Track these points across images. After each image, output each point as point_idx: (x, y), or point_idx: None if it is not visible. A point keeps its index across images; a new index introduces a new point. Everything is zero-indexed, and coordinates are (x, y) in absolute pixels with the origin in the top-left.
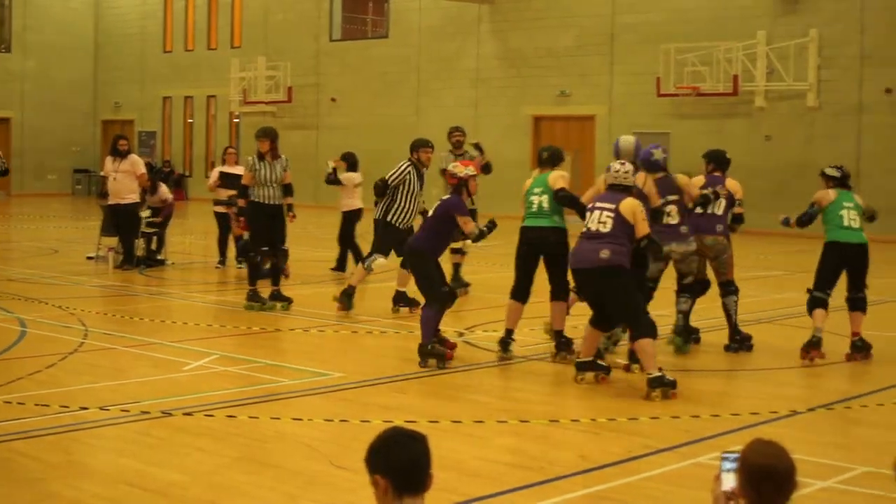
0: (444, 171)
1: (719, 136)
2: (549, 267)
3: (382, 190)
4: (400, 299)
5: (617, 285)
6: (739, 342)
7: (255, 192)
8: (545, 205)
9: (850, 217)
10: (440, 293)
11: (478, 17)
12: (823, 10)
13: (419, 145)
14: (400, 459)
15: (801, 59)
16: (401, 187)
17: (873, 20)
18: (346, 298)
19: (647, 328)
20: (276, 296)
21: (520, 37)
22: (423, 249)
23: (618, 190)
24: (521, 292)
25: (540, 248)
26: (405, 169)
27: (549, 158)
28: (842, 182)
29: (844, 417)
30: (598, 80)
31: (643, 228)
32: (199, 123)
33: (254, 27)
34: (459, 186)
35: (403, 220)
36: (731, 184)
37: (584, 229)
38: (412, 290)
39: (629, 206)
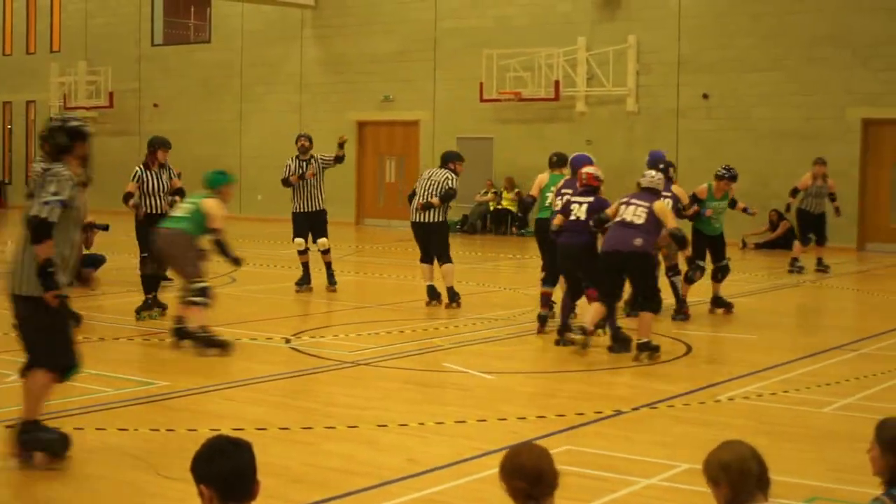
0: (285, 181)
1: (541, 141)
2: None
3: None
4: (434, 295)
5: (644, 267)
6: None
7: (142, 202)
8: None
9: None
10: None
11: (301, 22)
12: (641, 17)
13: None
14: (224, 468)
15: (621, 65)
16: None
17: (690, 27)
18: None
19: (656, 304)
20: (152, 302)
21: (344, 42)
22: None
23: (652, 192)
24: (552, 276)
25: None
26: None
27: (557, 161)
28: (732, 179)
29: (668, 416)
30: (421, 85)
31: (671, 223)
32: (18, 129)
33: (74, 31)
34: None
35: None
36: (677, 190)
37: (619, 219)
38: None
39: (661, 206)
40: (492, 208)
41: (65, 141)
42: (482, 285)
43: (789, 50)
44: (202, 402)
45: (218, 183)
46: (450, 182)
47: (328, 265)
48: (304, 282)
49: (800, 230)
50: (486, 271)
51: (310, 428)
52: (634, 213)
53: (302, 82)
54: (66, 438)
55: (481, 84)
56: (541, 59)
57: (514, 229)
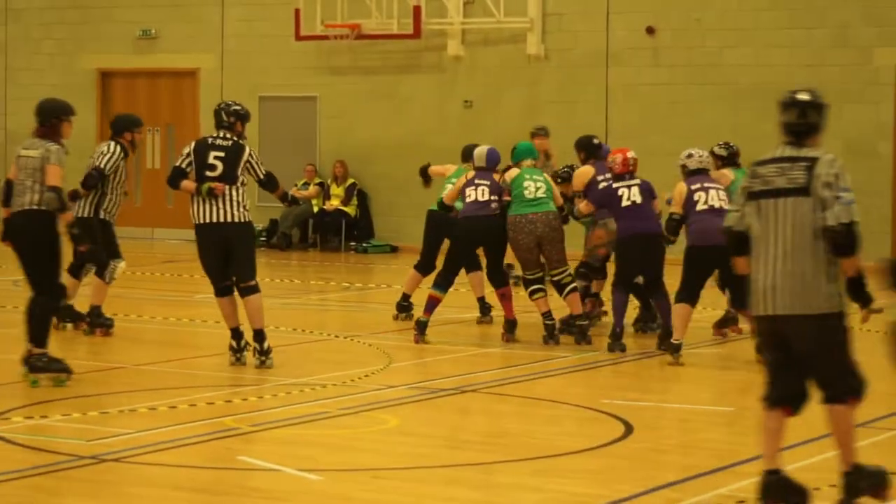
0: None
1: (393, 102)
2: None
3: (97, 181)
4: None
5: None
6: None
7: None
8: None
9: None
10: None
11: None
12: None
13: (132, 124)
14: None
15: None
16: (112, 176)
17: None
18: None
19: None
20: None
21: None
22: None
23: (705, 172)
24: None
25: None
26: (118, 154)
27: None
28: (732, 161)
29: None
30: (201, 13)
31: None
32: None
33: None
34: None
35: (115, 214)
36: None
37: (707, 206)
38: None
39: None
40: (316, 209)
41: None
42: (302, 331)
43: None
44: None
45: None
46: (101, 160)
47: None
48: None
49: None
50: (308, 309)
51: None
52: (718, 196)
53: (6, 7)
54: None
55: (297, 12)
56: None
57: (351, 242)
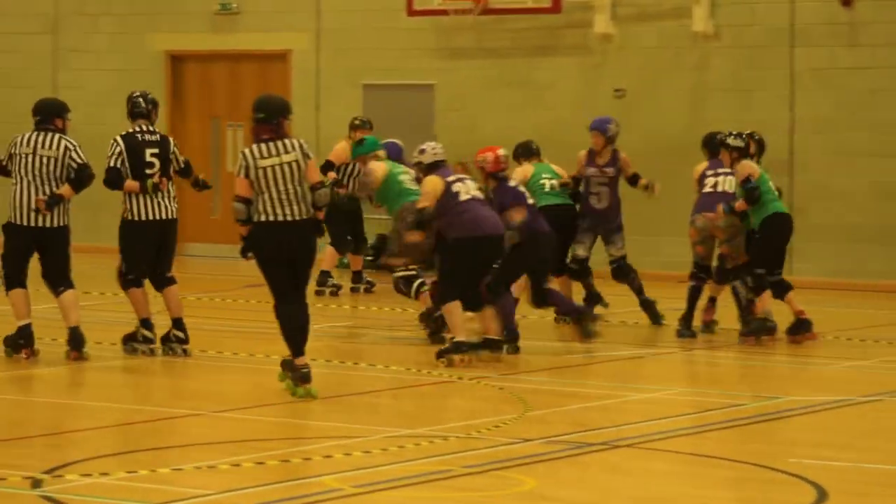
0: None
1: (527, 92)
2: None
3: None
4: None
5: None
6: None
7: None
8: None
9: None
10: None
11: None
12: None
13: (63, 109)
14: None
15: None
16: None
17: None
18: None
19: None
20: None
21: None
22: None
23: (444, 164)
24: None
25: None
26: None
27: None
28: (747, 152)
29: None
30: None
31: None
32: None
33: None
34: None
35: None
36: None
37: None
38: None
39: None
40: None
41: None
42: (417, 371)
43: None
44: None
45: None
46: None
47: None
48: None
49: None
50: (423, 344)
51: None
52: (477, 188)
53: None
54: None
55: None
56: None
57: None
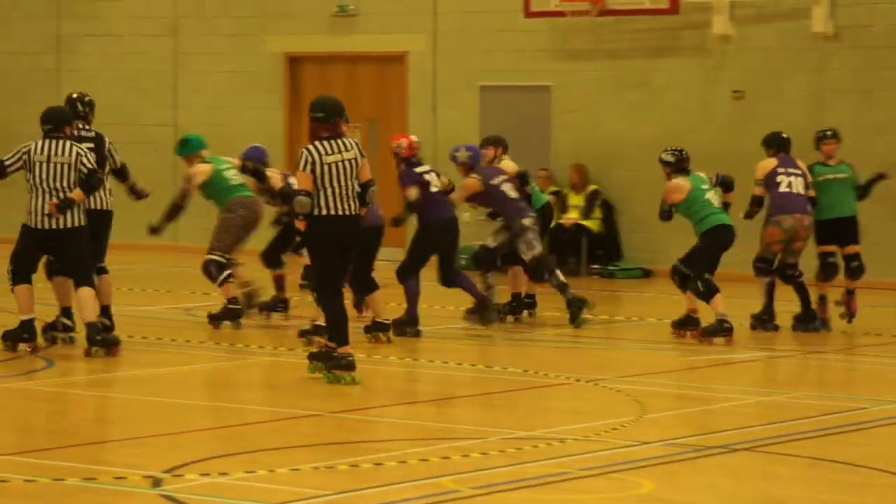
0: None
1: (644, 94)
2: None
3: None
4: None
5: None
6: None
7: None
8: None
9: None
10: None
11: None
12: None
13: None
14: None
15: None
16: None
17: None
18: None
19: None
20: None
21: None
22: None
23: None
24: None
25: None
26: None
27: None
28: (679, 167)
29: None
30: None
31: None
32: None
33: None
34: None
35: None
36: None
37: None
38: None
39: None
40: (552, 224)
41: None
42: (534, 373)
43: None
44: None
45: None
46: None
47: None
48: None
49: None
50: (541, 346)
51: None
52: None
53: None
54: None
55: None
56: None
57: (594, 265)
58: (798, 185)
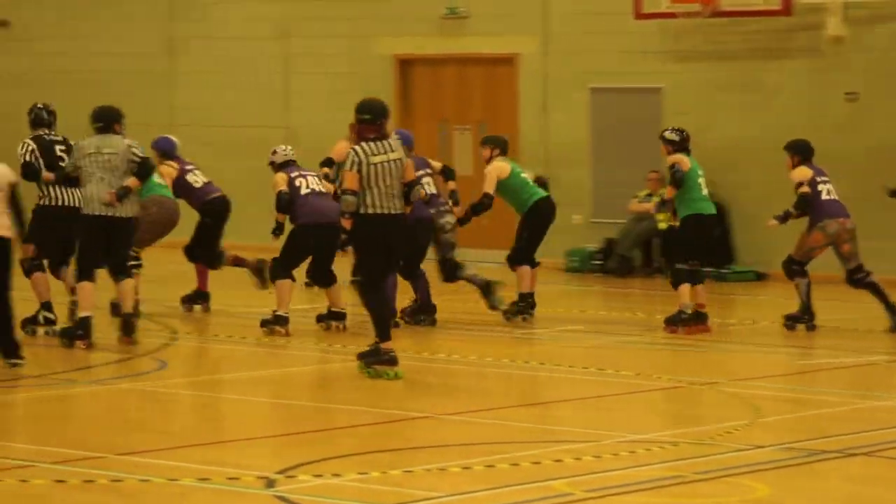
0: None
1: (757, 96)
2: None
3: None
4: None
5: None
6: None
7: None
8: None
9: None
10: None
11: None
12: None
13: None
14: None
15: None
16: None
17: None
18: None
19: None
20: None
21: None
22: None
23: (295, 163)
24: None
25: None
26: None
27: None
28: (682, 146)
29: None
30: None
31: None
32: None
33: None
34: None
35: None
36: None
37: (308, 190)
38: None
39: None
40: (663, 226)
41: None
42: (647, 376)
43: None
44: None
45: None
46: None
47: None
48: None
49: None
50: (653, 348)
51: None
52: (318, 181)
53: None
54: None
55: None
56: None
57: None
58: (833, 192)
